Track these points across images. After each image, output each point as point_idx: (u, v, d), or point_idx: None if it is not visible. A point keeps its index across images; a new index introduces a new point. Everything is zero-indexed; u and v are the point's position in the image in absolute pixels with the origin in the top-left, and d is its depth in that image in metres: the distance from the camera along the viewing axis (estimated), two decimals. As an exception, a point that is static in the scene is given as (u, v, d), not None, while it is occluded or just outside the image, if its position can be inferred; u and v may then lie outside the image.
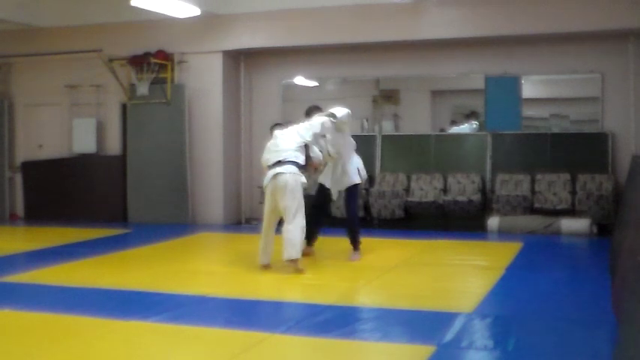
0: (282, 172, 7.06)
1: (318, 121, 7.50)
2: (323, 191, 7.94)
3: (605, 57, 10.45)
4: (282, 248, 7.04)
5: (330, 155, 7.72)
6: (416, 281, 6.85)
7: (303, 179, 7.15)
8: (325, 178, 7.90)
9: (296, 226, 7.02)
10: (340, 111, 7.64)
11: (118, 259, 8.30)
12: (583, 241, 9.48)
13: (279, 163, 7.14)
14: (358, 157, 7.96)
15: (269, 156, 7.31)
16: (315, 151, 7.53)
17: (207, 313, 5.64)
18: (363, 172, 7.92)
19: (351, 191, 7.82)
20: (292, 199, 7.03)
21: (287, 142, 7.27)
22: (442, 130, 11.41)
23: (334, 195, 7.88)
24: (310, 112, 7.80)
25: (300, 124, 7.52)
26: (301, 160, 7.21)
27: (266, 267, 7.31)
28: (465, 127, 11.30)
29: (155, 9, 10.28)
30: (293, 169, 7.09)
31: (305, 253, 7.49)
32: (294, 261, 7.07)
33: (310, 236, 7.74)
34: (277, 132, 7.49)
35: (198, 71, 11.68)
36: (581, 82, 10.81)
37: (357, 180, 7.77)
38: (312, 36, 11.17)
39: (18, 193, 12.85)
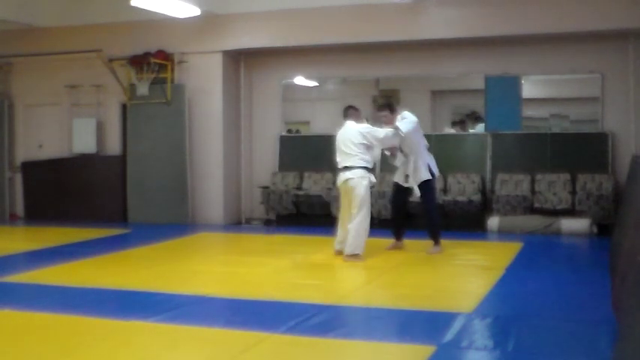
0: (351, 178, 7.73)
1: (384, 131, 7.90)
2: (398, 189, 8.30)
3: (605, 57, 10.45)
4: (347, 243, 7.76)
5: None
6: (416, 281, 6.85)
7: (372, 178, 7.83)
8: (399, 177, 8.28)
9: (357, 224, 7.66)
10: (406, 125, 7.87)
11: (118, 259, 8.29)
12: (583, 241, 9.49)
13: (346, 168, 7.77)
14: (430, 155, 8.26)
15: (339, 157, 7.90)
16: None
17: (207, 313, 5.64)
18: (435, 170, 8.23)
19: (424, 188, 8.10)
20: (358, 201, 7.68)
21: (352, 146, 7.77)
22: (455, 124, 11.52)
23: (416, 192, 8.17)
24: (346, 112, 8.09)
25: (364, 125, 7.94)
26: (367, 161, 7.79)
27: (338, 253, 7.94)
28: (480, 127, 11.26)
29: (155, 9, 10.28)
30: (359, 172, 7.72)
31: (396, 248, 8.29)
32: (354, 256, 7.68)
33: (396, 233, 8.37)
34: (347, 123, 7.95)
35: (198, 71, 11.69)
36: (581, 82, 10.81)
37: (427, 176, 8.06)
38: (312, 36, 11.18)
39: (18, 193, 12.85)
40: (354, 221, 7.70)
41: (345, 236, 7.88)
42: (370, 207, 7.86)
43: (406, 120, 7.90)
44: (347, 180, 7.75)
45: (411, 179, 8.11)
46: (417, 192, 8.12)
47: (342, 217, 8.00)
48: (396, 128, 7.85)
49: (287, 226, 11.13)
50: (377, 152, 8.10)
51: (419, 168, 8.06)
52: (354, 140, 7.77)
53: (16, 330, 5.13)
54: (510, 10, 10.29)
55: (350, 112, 8.06)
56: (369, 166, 7.82)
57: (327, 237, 8.47)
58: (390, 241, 8.45)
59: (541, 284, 6.63)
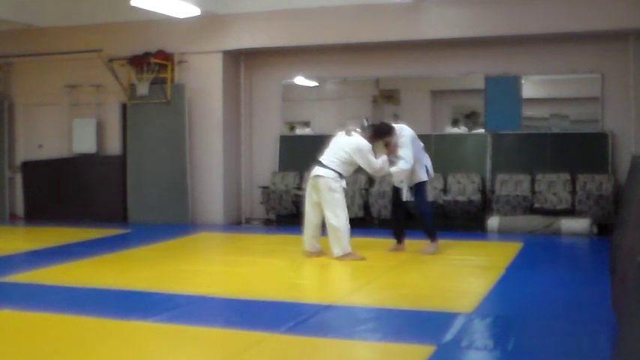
0: (319, 175, 7.67)
1: (380, 161, 7.71)
2: (397, 191, 8.25)
3: (605, 57, 10.45)
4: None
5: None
6: (416, 281, 6.85)
7: (343, 183, 7.69)
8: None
9: (332, 226, 7.61)
10: (400, 172, 7.82)
11: (118, 259, 8.29)
12: (583, 241, 9.49)
13: (320, 163, 7.72)
14: (427, 156, 8.23)
15: (324, 153, 7.84)
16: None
17: (207, 313, 5.63)
18: (431, 171, 8.22)
19: (418, 188, 8.10)
20: (325, 200, 7.63)
21: (336, 151, 7.73)
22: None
23: (405, 195, 8.10)
24: (381, 134, 7.87)
25: (364, 143, 7.70)
26: (341, 169, 7.67)
27: (310, 255, 7.87)
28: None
29: (155, 9, 10.29)
30: (330, 173, 7.64)
31: (397, 250, 8.21)
32: (343, 256, 7.61)
33: (397, 235, 8.30)
34: (356, 134, 7.80)
35: (198, 71, 11.69)
36: (581, 82, 10.81)
37: (423, 178, 8.07)
38: (312, 36, 11.18)
39: (18, 193, 12.85)
40: (332, 222, 7.61)
41: (314, 237, 7.85)
42: (344, 205, 7.70)
43: (403, 162, 7.76)
44: (317, 176, 7.69)
45: (405, 180, 8.05)
46: (407, 194, 8.08)
47: (306, 215, 7.87)
48: (393, 163, 7.80)
49: (287, 226, 11.13)
50: (351, 170, 7.89)
51: (416, 171, 8.00)
52: (346, 148, 7.69)
53: (16, 330, 5.13)
54: (510, 10, 10.29)
55: (369, 131, 7.94)
56: (343, 174, 7.72)
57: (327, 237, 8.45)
58: (390, 241, 8.43)
59: (541, 284, 6.64)
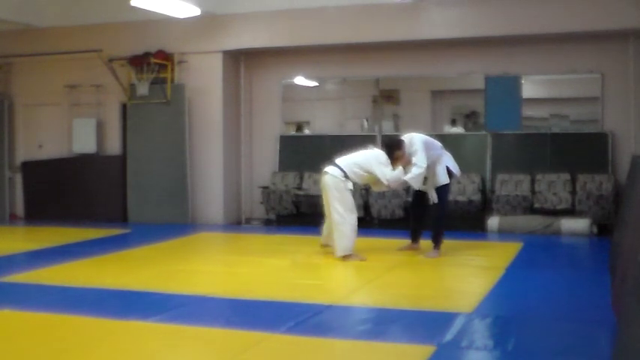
0: (326, 172, 7.75)
1: (395, 173, 7.73)
2: (417, 193, 8.23)
3: (605, 57, 10.45)
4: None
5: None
6: (416, 281, 6.86)
7: (348, 185, 7.68)
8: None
9: (337, 225, 7.63)
10: (414, 179, 7.78)
11: (118, 259, 8.29)
12: (583, 241, 9.49)
13: (333, 162, 7.79)
14: (448, 155, 8.17)
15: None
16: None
17: (207, 313, 5.63)
18: (456, 169, 8.17)
19: (439, 192, 8.04)
20: (332, 198, 7.67)
21: (355, 155, 7.88)
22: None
23: (433, 198, 8.04)
24: (391, 150, 7.85)
25: (380, 158, 7.82)
26: (350, 170, 7.71)
27: (325, 247, 8.08)
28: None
29: (155, 9, 10.29)
30: (337, 172, 7.69)
31: (411, 249, 8.23)
32: (345, 257, 7.63)
33: (413, 235, 8.32)
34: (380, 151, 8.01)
35: (198, 71, 11.69)
36: (581, 82, 10.81)
37: (444, 181, 8.01)
38: (312, 36, 11.18)
39: (18, 193, 12.85)
40: (335, 221, 7.65)
41: (328, 231, 7.92)
42: (351, 206, 7.70)
43: (415, 167, 7.71)
44: (325, 173, 7.77)
45: (428, 184, 8.02)
46: (434, 197, 8.03)
47: (325, 209, 7.97)
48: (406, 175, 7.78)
49: (287, 226, 11.13)
50: (361, 176, 7.85)
51: (437, 173, 7.97)
52: (367, 154, 7.87)
53: (16, 330, 5.14)
54: (510, 10, 10.29)
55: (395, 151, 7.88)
56: (351, 176, 7.72)
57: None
58: (390, 241, 8.42)
59: (541, 284, 6.64)
